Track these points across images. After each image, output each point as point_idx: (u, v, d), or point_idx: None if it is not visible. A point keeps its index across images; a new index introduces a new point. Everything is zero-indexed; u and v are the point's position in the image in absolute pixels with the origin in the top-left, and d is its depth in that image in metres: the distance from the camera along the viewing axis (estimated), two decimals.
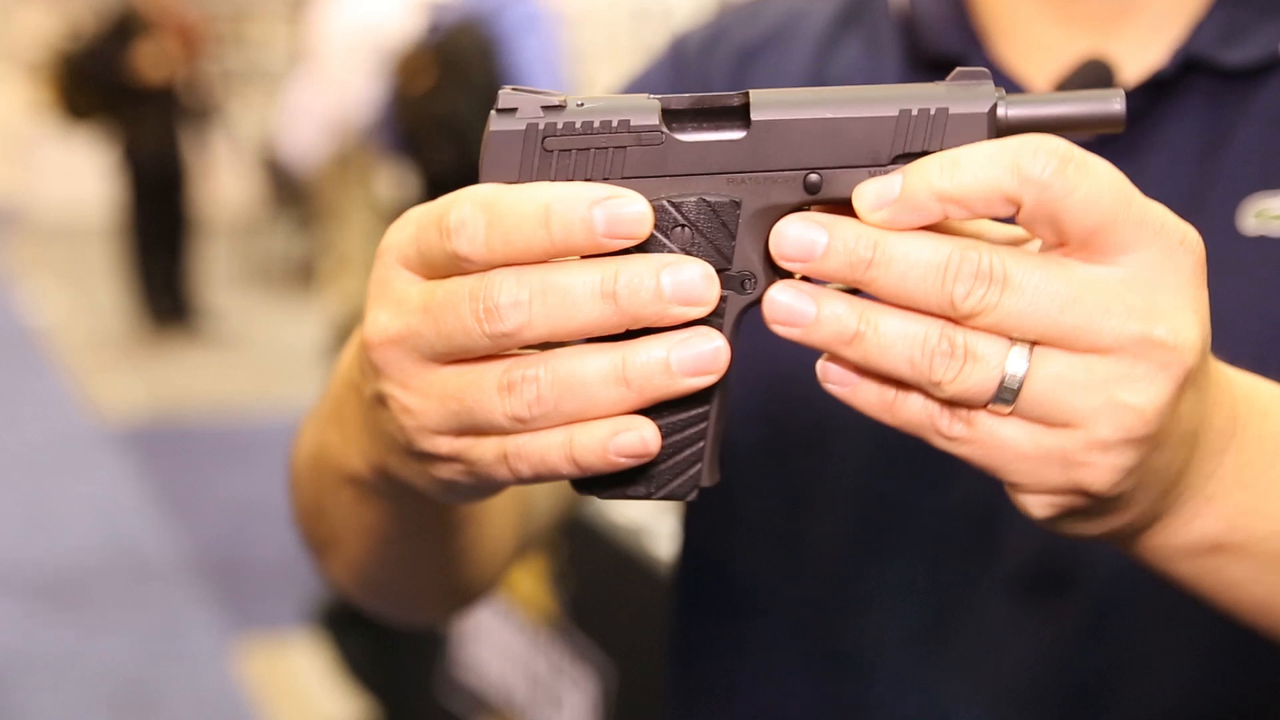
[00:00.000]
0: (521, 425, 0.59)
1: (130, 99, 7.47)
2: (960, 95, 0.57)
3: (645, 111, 0.58)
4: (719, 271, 0.59)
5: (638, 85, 1.09)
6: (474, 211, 0.57)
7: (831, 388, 0.58)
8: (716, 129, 0.59)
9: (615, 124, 0.58)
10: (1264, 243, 0.86)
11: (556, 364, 0.58)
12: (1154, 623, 0.90)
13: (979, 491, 0.92)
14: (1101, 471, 0.56)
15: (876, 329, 0.55)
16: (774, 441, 0.98)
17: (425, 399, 0.61)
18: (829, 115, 0.57)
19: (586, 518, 2.55)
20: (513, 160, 0.58)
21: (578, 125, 0.58)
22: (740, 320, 0.60)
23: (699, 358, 0.57)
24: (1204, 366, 0.58)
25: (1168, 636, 0.90)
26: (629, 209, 0.56)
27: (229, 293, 8.83)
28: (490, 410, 0.59)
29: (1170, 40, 0.91)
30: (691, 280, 0.56)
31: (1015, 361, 0.55)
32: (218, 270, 8.95)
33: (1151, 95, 0.90)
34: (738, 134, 0.58)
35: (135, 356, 7.61)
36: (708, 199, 0.59)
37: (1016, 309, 0.54)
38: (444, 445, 0.62)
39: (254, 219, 10.05)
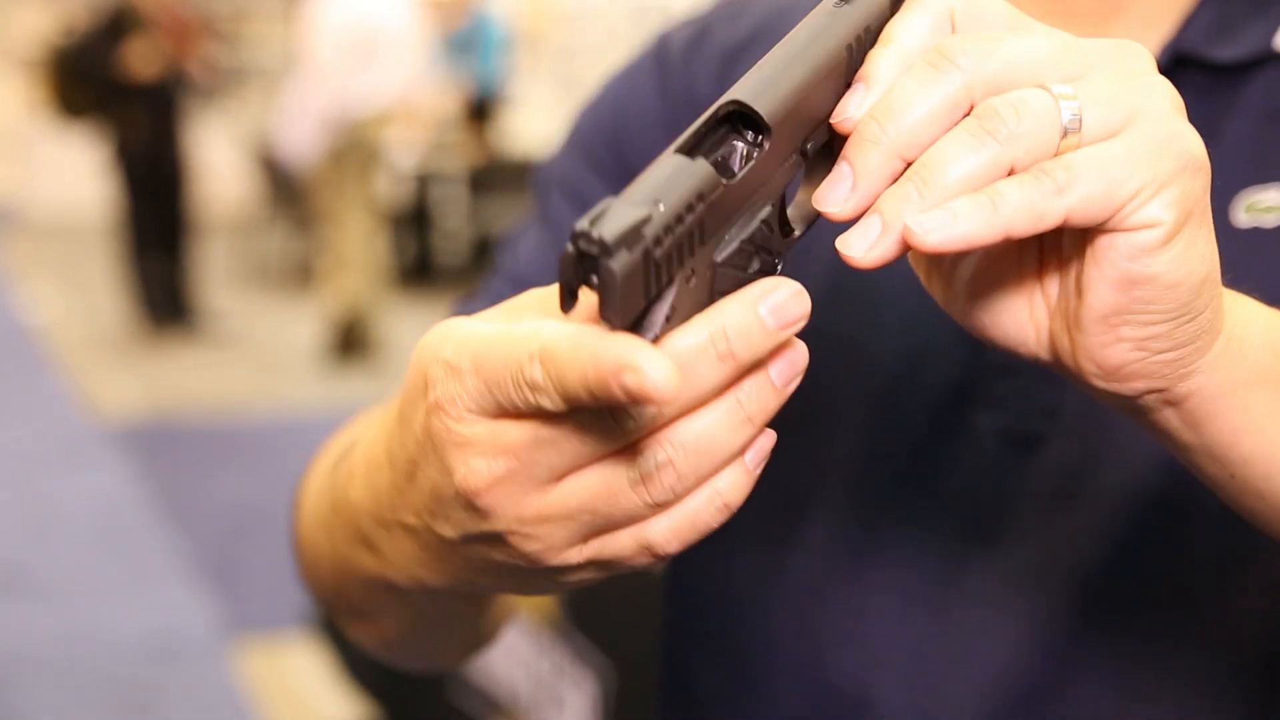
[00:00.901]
0: (664, 508, 0.58)
1: (122, 96, 7.45)
2: (861, 5, 0.61)
3: (701, 175, 0.55)
4: (767, 269, 0.60)
5: (621, 86, 1.08)
6: (649, 376, 0.51)
7: (934, 238, 0.54)
8: (734, 148, 0.58)
9: (693, 203, 0.55)
10: (1256, 235, 0.86)
11: (682, 438, 0.56)
12: (1156, 615, 0.90)
13: (972, 491, 0.92)
14: (1189, 132, 0.57)
15: (928, 164, 0.56)
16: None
17: (549, 522, 0.59)
18: (806, 79, 0.59)
19: None
20: (637, 290, 0.53)
21: (672, 224, 0.54)
22: None
23: (794, 367, 0.57)
24: None
25: (1172, 627, 0.90)
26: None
27: (226, 292, 8.82)
28: (629, 507, 0.57)
29: (1161, 37, 0.92)
30: (786, 303, 0.56)
31: (1057, 88, 0.57)
32: (215, 269, 8.94)
33: None
34: (763, 146, 0.58)
35: (133, 356, 7.61)
36: (763, 218, 0.59)
37: (1009, 56, 0.57)
38: (576, 555, 0.60)
39: (251, 218, 10.04)
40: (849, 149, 0.57)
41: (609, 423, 0.55)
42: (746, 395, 0.56)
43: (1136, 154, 0.56)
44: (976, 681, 0.93)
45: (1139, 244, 0.56)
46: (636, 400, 0.51)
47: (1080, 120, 0.56)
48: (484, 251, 9.38)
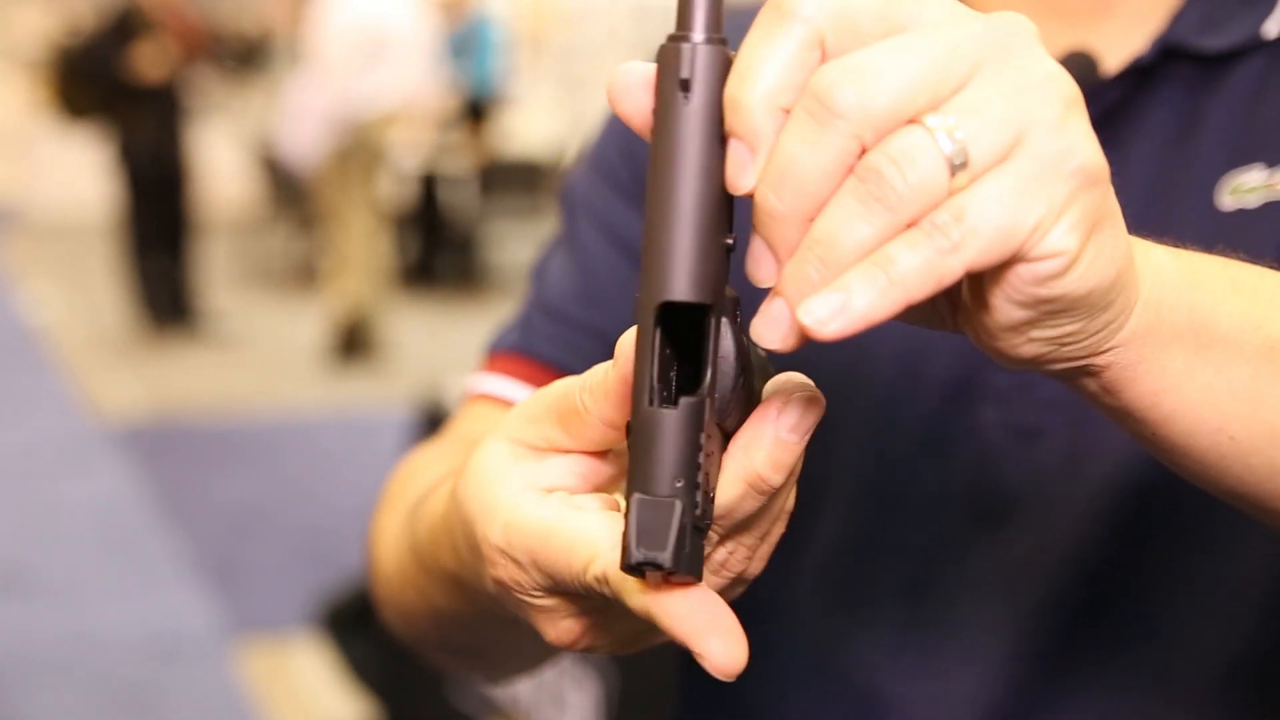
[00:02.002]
0: (742, 574, 0.64)
1: (128, 97, 7.46)
2: (705, 84, 0.55)
3: (690, 418, 0.56)
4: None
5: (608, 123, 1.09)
6: (715, 659, 0.58)
7: (833, 328, 0.51)
8: (690, 345, 0.57)
9: (700, 445, 0.56)
10: (1241, 216, 0.87)
11: (752, 527, 0.62)
12: (1148, 612, 0.91)
13: (975, 483, 0.93)
14: (1080, 141, 0.53)
15: (820, 237, 0.52)
16: None
17: (635, 637, 0.67)
18: (701, 229, 0.55)
19: None
20: (700, 551, 0.58)
21: (698, 483, 0.56)
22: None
23: (811, 418, 0.59)
24: None
25: (1161, 624, 0.91)
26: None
27: (228, 292, 8.83)
28: (714, 588, 0.63)
29: (1152, 31, 0.93)
30: (803, 418, 0.58)
31: (937, 128, 0.51)
32: (217, 270, 8.95)
33: (1133, 83, 0.91)
34: (711, 323, 0.56)
35: (134, 356, 7.61)
36: (735, 358, 0.58)
37: (889, 83, 0.51)
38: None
39: (253, 219, 10.05)
40: (758, 224, 0.53)
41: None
42: (770, 473, 0.58)
43: (1029, 185, 0.52)
44: (980, 672, 0.94)
45: (1043, 272, 0.53)
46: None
47: (967, 155, 0.51)
48: (484, 251, 9.39)
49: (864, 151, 0.52)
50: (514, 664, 1.05)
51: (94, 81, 7.47)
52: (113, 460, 6.00)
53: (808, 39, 0.53)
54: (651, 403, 0.56)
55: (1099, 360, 0.59)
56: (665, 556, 0.55)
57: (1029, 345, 0.57)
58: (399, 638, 1.07)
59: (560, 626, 0.65)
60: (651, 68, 0.56)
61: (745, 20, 1.06)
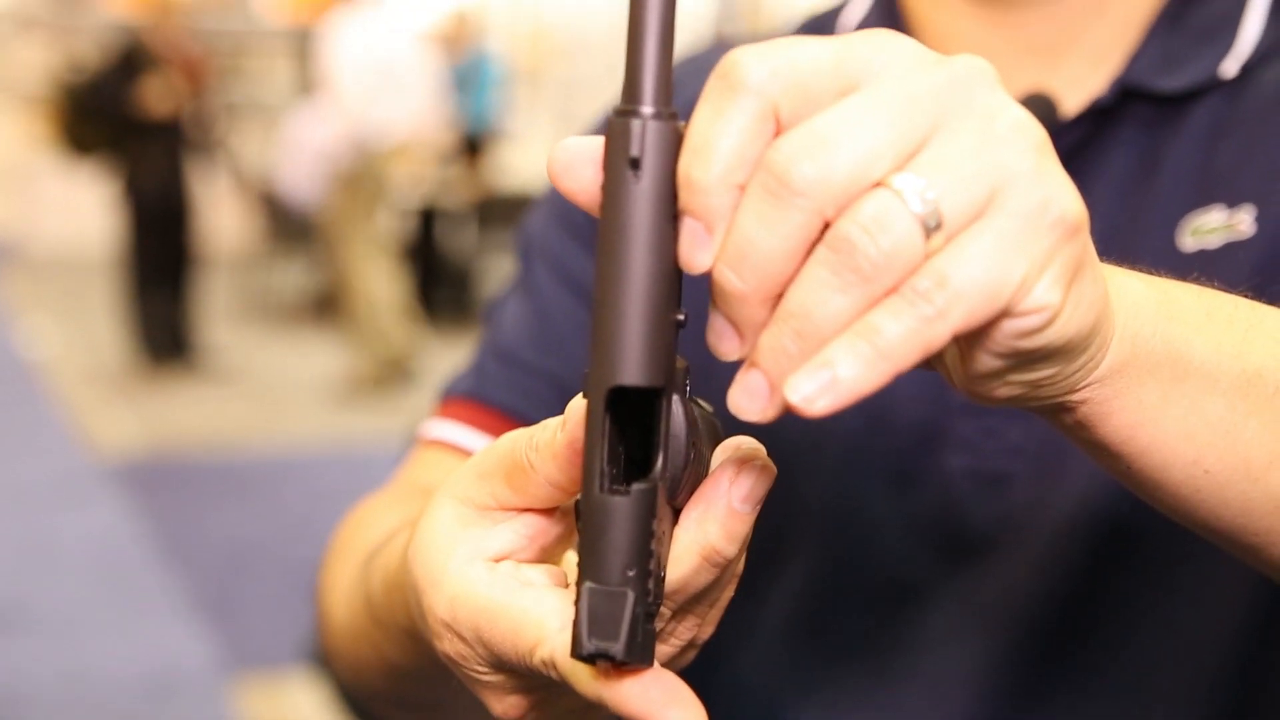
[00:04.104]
0: (694, 640, 0.64)
1: (135, 132, 7.48)
2: (654, 161, 0.53)
3: (642, 506, 0.55)
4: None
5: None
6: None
7: (822, 404, 0.50)
8: (642, 424, 0.56)
9: (653, 533, 0.55)
10: (1202, 257, 0.88)
11: (704, 598, 0.62)
12: (1121, 650, 0.91)
13: (941, 530, 0.93)
14: (1056, 191, 0.51)
15: (794, 311, 0.50)
16: None
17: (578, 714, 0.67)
18: (652, 312, 0.53)
19: None
20: (651, 641, 0.57)
21: (651, 571, 0.56)
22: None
23: (764, 487, 0.59)
24: None
25: (1134, 663, 0.91)
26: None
27: (226, 327, 8.83)
28: (664, 658, 0.64)
29: (1110, 71, 0.94)
30: (753, 490, 0.58)
31: (906, 189, 0.49)
32: (215, 305, 8.95)
33: (1092, 124, 0.92)
34: (662, 405, 0.55)
35: (133, 391, 7.61)
36: (685, 437, 0.57)
37: (848, 151, 0.49)
38: None
39: (252, 253, 10.06)
40: (718, 300, 0.52)
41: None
42: (723, 547, 0.58)
43: (1010, 242, 0.50)
44: (947, 715, 0.94)
45: (1026, 327, 0.52)
46: None
47: (941, 215, 0.49)
48: (481, 286, 9.40)
49: (828, 223, 0.50)
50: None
51: (101, 117, 7.49)
52: (110, 496, 5.99)
53: (760, 111, 0.51)
54: (601, 489, 0.54)
55: (1074, 397, 0.59)
56: (618, 649, 0.54)
57: (1005, 388, 0.57)
58: (349, 692, 1.06)
59: (506, 702, 0.65)
60: (594, 142, 0.55)
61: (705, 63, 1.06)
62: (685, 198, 0.51)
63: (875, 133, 0.49)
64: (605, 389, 0.53)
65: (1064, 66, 0.95)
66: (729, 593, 0.62)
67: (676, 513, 0.58)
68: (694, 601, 0.61)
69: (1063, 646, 0.92)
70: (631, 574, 0.54)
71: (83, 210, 10.41)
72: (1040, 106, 0.92)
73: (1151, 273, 0.62)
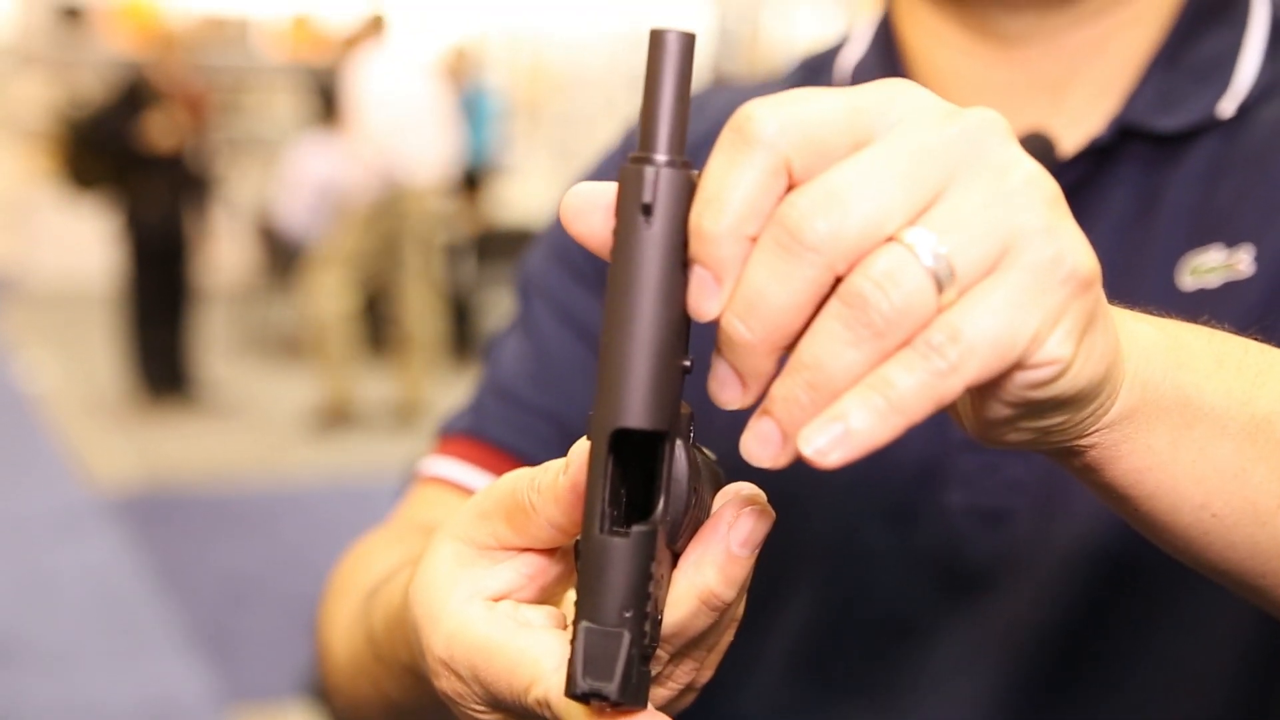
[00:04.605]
0: (693, 684, 0.64)
1: (137, 167, 7.50)
2: (666, 208, 0.53)
3: (640, 549, 0.55)
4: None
5: (594, 177, 1.09)
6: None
7: (835, 456, 0.51)
8: (642, 467, 0.57)
9: (651, 576, 0.56)
10: (1201, 296, 0.88)
11: (700, 642, 0.62)
12: (1121, 679, 0.91)
13: (942, 566, 0.93)
14: (1069, 246, 0.52)
15: (807, 362, 0.51)
16: None
17: None
18: (658, 356, 0.54)
19: None
20: (646, 684, 0.57)
21: (647, 614, 0.56)
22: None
23: (759, 532, 0.59)
24: None
25: (1134, 691, 0.91)
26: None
27: (224, 361, 8.83)
28: (661, 701, 0.64)
29: (1108, 111, 0.94)
30: (754, 531, 0.58)
31: (919, 244, 0.50)
32: (213, 338, 8.95)
33: (1091, 163, 0.92)
34: (665, 449, 0.56)
35: (131, 425, 7.60)
36: (688, 481, 0.57)
37: (861, 207, 0.50)
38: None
39: (251, 287, 10.06)
40: (723, 349, 0.52)
41: None
42: (721, 592, 0.59)
43: (1022, 296, 0.50)
44: None
45: (1037, 379, 0.52)
46: None
47: (953, 270, 0.50)
48: (480, 319, 9.39)
49: (839, 278, 0.50)
50: None
51: (104, 151, 7.50)
52: (108, 529, 5.98)
53: (773, 165, 0.51)
54: (602, 529, 0.55)
55: (1084, 442, 0.59)
56: (612, 689, 0.54)
57: (1015, 434, 0.57)
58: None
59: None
60: (605, 189, 0.56)
61: (737, 97, 1.07)
62: (696, 247, 0.52)
63: (887, 188, 0.50)
64: (609, 431, 0.54)
65: (1063, 105, 0.95)
66: (728, 637, 0.62)
67: (676, 556, 0.59)
68: (692, 645, 0.61)
69: (1064, 682, 0.92)
70: (629, 615, 0.55)
71: (82, 244, 10.42)
72: (1038, 146, 0.92)
73: (1158, 314, 0.63)
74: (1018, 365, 0.51)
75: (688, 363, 0.55)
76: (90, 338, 9.05)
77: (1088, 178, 0.92)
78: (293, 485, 6.69)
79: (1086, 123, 0.94)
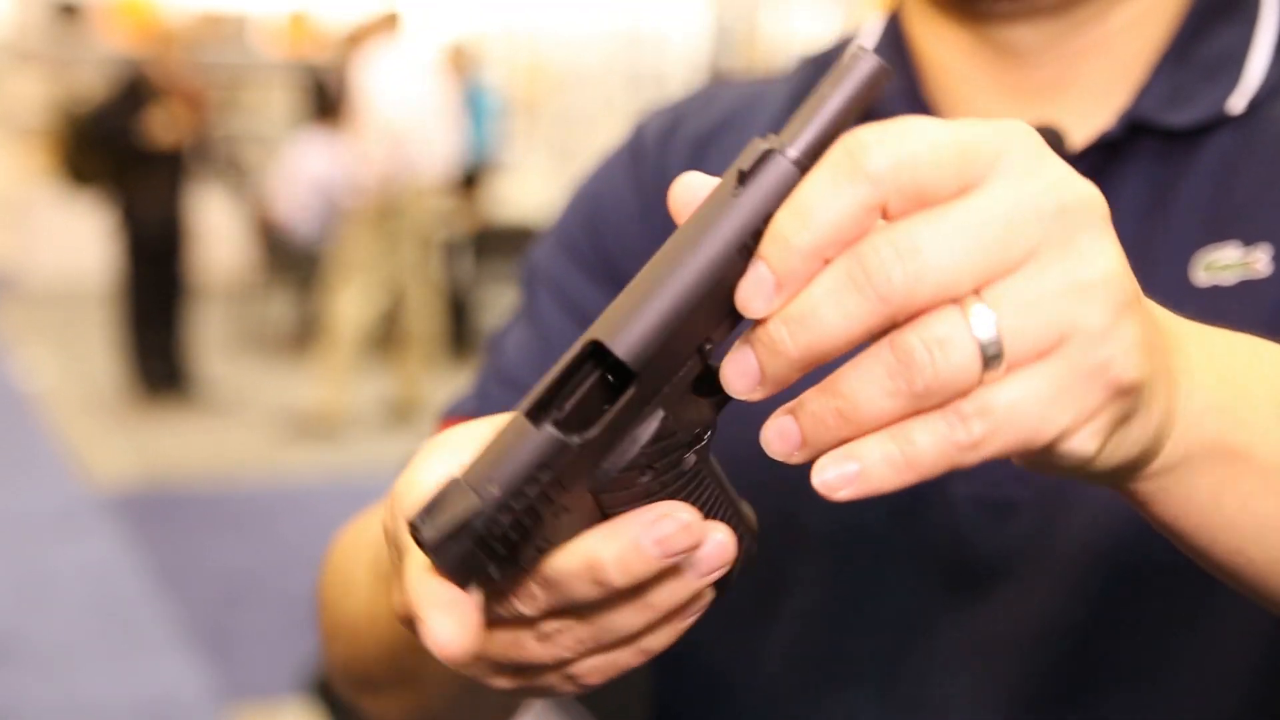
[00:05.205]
0: (568, 664, 0.62)
1: (137, 163, 7.50)
2: (766, 188, 0.53)
3: (544, 444, 0.55)
4: (682, 458, 0.59)
5: (600, 178, 1.10)
6: (433, 633, 0.58)
7: (844, 493, 0.53)
8: (600, 389, 0.56)
9: (536, 476, 0.55)
10: (1216, 293, 0.88)
11: (580, 620, 0.60)
12: (1125, 683, 0.91)
13: (947, 557, 0.93)
14: (1122, 357, 0.52)
15: (842, 391, 0.52)
16: None
17: (483, 661, 0.64)
18: (683, 302, 0.53)
19: None
20: (483, 567, 0.56)
21: (508, 504, 0.55)
22: (709, 446, 0.60)
23: (712, 562, 0.58)
24: None
25: (1138, 696, 0.91)
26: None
27: (222, 358, 8.83)
28: (531, 658, 0.62)
29: (1117, 105, 0.94)
30: (671, 537, 0.56)
31: (977, 318, 0.51)
32: (211, 335, 8.95)
33: (1101, 157, 0.93)
34: (631, 389, 0.55)
35: (129, 422, 7.60)
36: (643, 442, 0.57)
37: (940, 263, 0.50)
38: (502, 683, 0.65)
39: (249, 284, 10.06)
40: (757, 345, 0.53)
41: (512, 604, 0.59)
42: (658, 595, 0.58)
43: (1061, 392, 0.52)
44: None
45: (1059, 462, 0.54)
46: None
47: (1003, 349, 0.51)
48: (477, 316, 9.40)
49: (894, 325, 0.51)
50: (492, 714, 1.03)
51: (105, 148, 7.51)
52: (106, 527, 5.98)
53: (872, 202, 0.51)
54: (528, 411, 0.55)
55: (1120, 487, 0.60)
56: (428, 536, 0.55)
57: (1045, 471, 0.58)
58: (351, 682, 1.06)
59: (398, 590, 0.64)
60: (711, 181, 0.56)
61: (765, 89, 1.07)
62: (769, 247, 0.52)
63: (969, 256, 0.51)
64: (589, 339, 0.54)
65: (1069, 102, 0.96)
66: (624, 656, 0.61)
67: (604, 516, 0.58)
68: (570, 615, 0.60)
69: (1072, 676, 0.91)
70: (494, 492, 0.54)
71: (80, 242, 10.41)
72: (1048, 139, 0.92)
73: (1190, 315, 0.62)
74: (1041, 448, 0.53)
75: (709, 345, 0.55)
76: (88, 335, 9.05)
77: (1097, 171, 0.92)
78: (291, 483, 6.69)
79: (1095, 118, 0.95)
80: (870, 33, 1.06)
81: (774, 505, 0.97)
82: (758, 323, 0.53)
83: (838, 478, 0.52)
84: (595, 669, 0.62)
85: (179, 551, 5.73)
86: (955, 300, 0.51)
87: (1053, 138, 0.93)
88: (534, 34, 12.74)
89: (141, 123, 7.46)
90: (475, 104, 9.88)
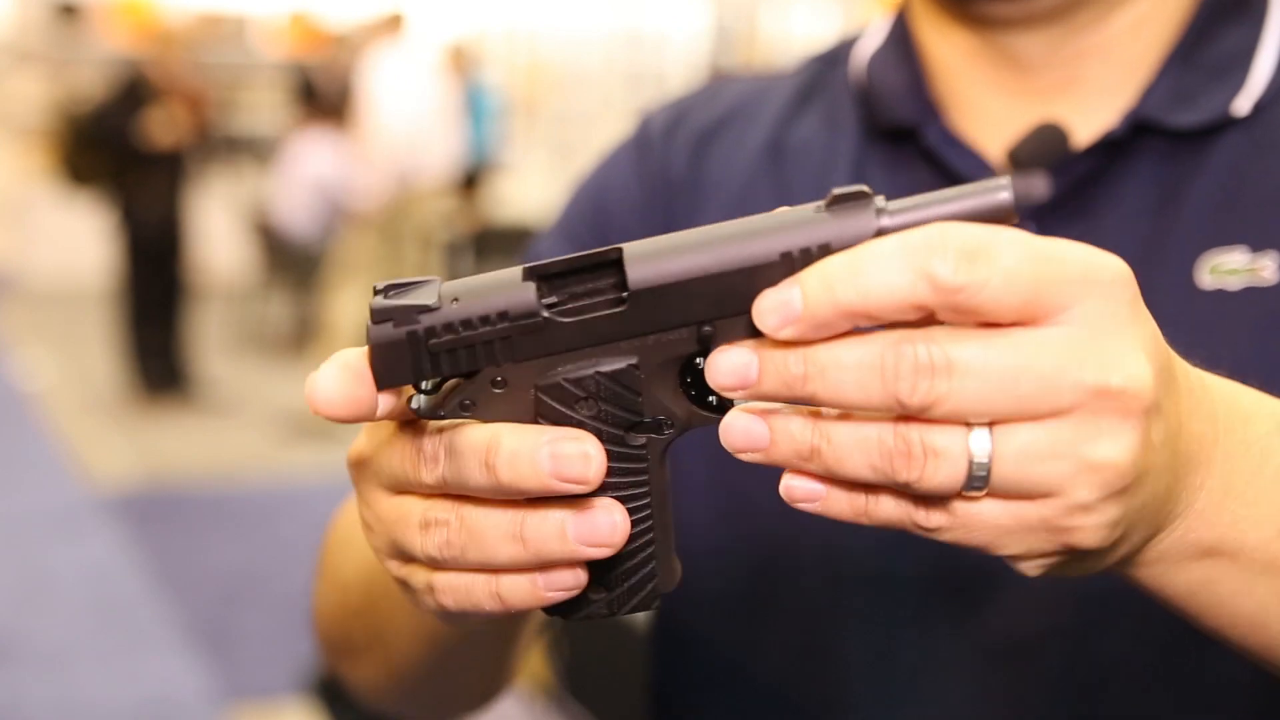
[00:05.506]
0: (437, 564, 0.61)
1: (136, 164, 7.50)
2: (842, 223, 0.54)
3: (520, 295, 0.57)
4: (631, 427, 0.59)
5: (605, 169, 1.11)
6: (316, 387, 0.59)
7: (802, 506, 0.56)
8: (595, 294, 0.57)
9: (493, 316, 0.57)
10: (1221, 296, 0.88)
11: (465, 511, 0.60)
12: (1127, 686, 0.91)
13: (950, 555, 0.93)
14: (1089, 532, 0.54)
15: (830, 441, 0.54)
16: (740, 515, 0.99)
17: (375, 525, 0.65)
18: (709, 269, 0.55)
19: None
20: (404, 367, 0.58)
21: (456, 324, 0.57)
22: (666, 452, 0.60)
23: (598, 531, 0.57)
24: (1171, 385, 0.57)
25: (1141, 699, 0.91)
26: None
27: (221, 359, 8.82)
28: (411, 544, 0.61)
29: (1122, 104, 0.94)
30: (568, 457, 0.56)
31: (978, 445, 0.52)
32: (210, 336, 8.95)
33: (1104, 156, 0.93)
34: (618, 306, 0.57)
35: (129, 423, 7.60)
36: (603, 370, 0.58)
37: (967, 393, 0.51)
38: (392, 567, 0.65)
39: (246, 285, 10.06)
40: (765, 359, 0.54)
41: (409, 463, 0.60)
42: (531, 521, 0.58)
43: (1020, 530, 0.54)
44: None
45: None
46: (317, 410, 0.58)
47: (989, 483, 0.53)
48: None
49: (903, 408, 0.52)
50: (470, 691, 1.04)
51: (104, 148, 7.50)
52: (105, 527, 5.98)
53: (923, 304, 0.51)
54: (527, 270, 0.57)
55: (1126, 569, 0.63)
56: (377, 302, 0.57)
57: None
58: (330, 646, 1.07)
59: (377, 498, 0.65)
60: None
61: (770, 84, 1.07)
62: (812, 279, 0.53)
63: (997, 397, 0.52)
64: (617, 248, 0.56)
65: (1073, 102, 0.96)
66: (507, 551, 0.59)
67: (533, 416, 0.59)
68: (455, 508, 0.60)
69: (1074, 673, 0.91)
70: (453, 308, 0.57)
71: (79, 242, 10.41)
72: (1050, 136, 0.93)
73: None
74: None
75: (709, 330, 0.56)
76: (88, 336, 9.05)
77: (1101, 170, 0.93)
78: (290, 483, 6.69)
79: (1099, 116, 0.95)
80: (877, 30, 1.06)
81: (775, 502, 0.97)
82: (770, 339, 0.54)
83: (803, 493, 0.56)
84: (453, 588, 0.61)
85: (179, 551, 5.73)
86: (968, 422, 0.52)
87: (1055, 135, 0.93)
88: (534, 34, 12.74)
89: (141, 123, 7.46)
90: (475, 104, 9.88)
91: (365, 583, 0.92)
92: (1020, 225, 0.92)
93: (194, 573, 5.51)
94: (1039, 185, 0.92)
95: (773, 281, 0.54)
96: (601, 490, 0.59)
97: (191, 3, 11.81)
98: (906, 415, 0.53)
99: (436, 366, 0.57)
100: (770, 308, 0.53)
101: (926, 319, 0.52)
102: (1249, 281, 0.88)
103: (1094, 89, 0.95)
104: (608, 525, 0.57)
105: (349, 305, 7.43)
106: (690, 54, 11.69)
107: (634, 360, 0.57)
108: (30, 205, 11.09)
